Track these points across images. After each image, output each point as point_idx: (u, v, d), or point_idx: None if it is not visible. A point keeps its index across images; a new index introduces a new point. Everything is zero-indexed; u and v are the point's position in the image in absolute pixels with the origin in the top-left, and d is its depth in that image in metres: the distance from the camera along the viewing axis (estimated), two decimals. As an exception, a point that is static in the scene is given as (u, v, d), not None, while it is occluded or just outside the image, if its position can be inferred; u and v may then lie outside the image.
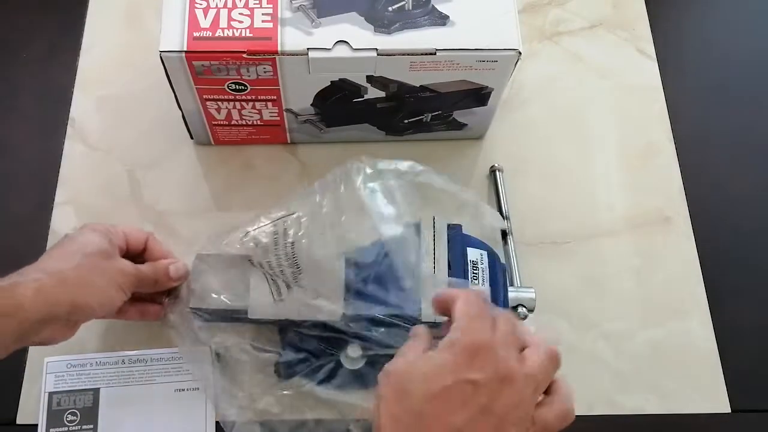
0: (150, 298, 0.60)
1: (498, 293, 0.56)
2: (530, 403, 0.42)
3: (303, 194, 0.58)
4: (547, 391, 0.44)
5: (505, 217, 0.67)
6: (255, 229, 0.56)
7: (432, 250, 0.55)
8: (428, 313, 0.53)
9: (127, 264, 0.55)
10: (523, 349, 0.43)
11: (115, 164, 0.72)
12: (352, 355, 0.54)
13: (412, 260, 0.54)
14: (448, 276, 0.54)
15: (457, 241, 0.56)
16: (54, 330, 0.51)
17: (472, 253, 0.56)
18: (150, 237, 0.60)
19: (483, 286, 0.55)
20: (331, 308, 0.54)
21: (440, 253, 0.55)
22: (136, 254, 0.59)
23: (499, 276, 0.57)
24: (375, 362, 0.55)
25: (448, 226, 0.58)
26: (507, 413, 0.40)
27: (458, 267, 0.55)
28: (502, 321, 0.44)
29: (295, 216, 0.56)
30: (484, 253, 0.57)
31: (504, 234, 0.67)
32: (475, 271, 0.55)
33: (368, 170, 0.57)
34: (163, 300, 0.60)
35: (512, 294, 0.58)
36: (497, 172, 0.71)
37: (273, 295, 0.55)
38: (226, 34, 0.58)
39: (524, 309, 0.58)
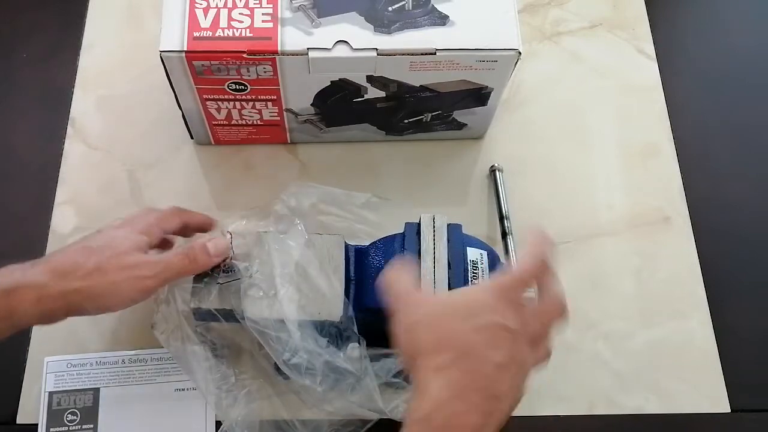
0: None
1: (498, 293, 0.56)
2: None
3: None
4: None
5: (505, 217, 0.67)
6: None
7: (432, 249, 0.55)
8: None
9: (147, 275, 0.52)
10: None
11: (115, 164, 0.72)
12: (352, 355, 0.54)
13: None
14: (449, 276, 0.54)
15: (457, 240, 0.56)
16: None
17: (472, 253, 0.56)
18: (184, 216, 0.58)
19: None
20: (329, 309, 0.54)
21: (440, 252, 0.55)
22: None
23: (499, 276, 0.57)
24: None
25: (448, 225, 0.58)
26: (525, 365, 0.44)
27: (458, 267, 0.55)
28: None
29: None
30: (484, 252, 0.57)
31: (504, 234, 0.67)
32: (475, 271, 0.55)
33: None
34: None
35: (512, 294, 0.58)
36: (497, 172, 0.71)
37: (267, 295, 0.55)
38: (226, 34, 0.58)
39: (524, 309, 0.58)
